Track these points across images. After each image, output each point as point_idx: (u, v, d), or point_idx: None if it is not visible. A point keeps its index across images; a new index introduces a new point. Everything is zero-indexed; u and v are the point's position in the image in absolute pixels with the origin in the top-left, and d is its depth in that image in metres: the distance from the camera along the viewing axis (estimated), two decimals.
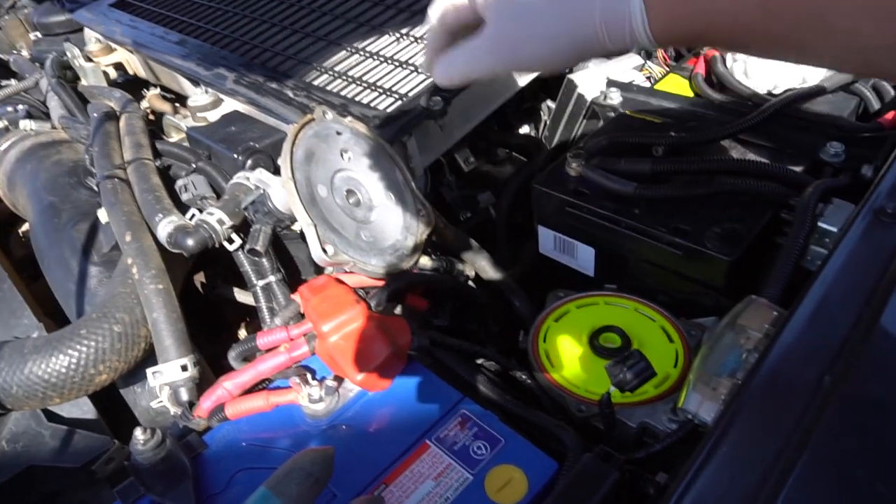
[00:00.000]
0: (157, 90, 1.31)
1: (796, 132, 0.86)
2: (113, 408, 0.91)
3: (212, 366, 0.90)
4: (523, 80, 1.06)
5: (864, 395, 0.50)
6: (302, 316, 0.74)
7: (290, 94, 0.96)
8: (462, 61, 0.53)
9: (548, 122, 1.35)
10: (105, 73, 1.28)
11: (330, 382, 0.64)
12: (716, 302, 0.78)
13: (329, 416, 0.64)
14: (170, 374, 0.73)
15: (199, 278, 1.12)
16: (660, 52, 1.30)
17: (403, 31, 1.05)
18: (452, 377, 0.69)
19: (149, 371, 0.73)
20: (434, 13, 0.55)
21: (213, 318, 1.14)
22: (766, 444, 0.49)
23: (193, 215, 0.82)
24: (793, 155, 0.85)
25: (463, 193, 1.14)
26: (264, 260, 0.86)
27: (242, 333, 1.12)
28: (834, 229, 0.69)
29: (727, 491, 0.48)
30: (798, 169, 0.81)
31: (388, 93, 0.92)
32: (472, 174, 1.17)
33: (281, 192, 0.73)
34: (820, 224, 0.69)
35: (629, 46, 0.47)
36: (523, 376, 0.74)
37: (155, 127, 1.19)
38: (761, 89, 0.95)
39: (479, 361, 0.78)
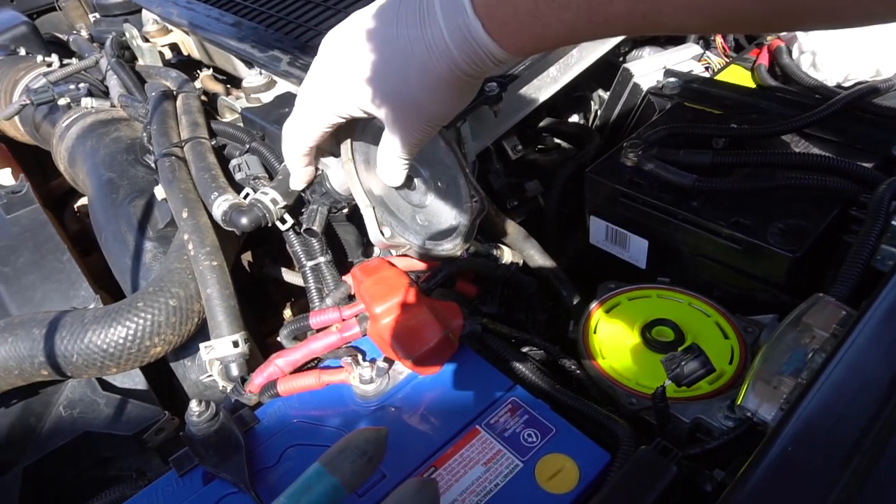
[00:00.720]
0: (210, 71, 1.33)
1: (867, 127, 0.83)
2: (161, 380, 0.93)
3: (258, 344, 0.92)
4: (577, 68, 1.04)
5: None
6: (352, 298, 0.74)
7: None
8: (389, 156, 0.57)
9: (599, 112, 1.33)
10: (161, 54, 1.30)
11: (381, 364, 0.64)
12: (775, 299, 0.75)
13: (379, 398, 0.64)
14: (221, 350, 0.74)
15: (247, 257, 1.13)
16: (719, 42, 1.27)
17: None
18: (502, 365, 0.68)
19: (202, 345, 0.74)
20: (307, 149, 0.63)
21: (260, 297, 1.16)
22: (833, 450, 0.47)
23: (248, 194, 0.83)
24: (863, 151, 0.81)
25: (510, 181, 1.13)
26: (315, 241, 0.87)
27: (288, 313, 1.13)
28: None
29: (790, 496, 0.46)
30: (868, 165, 0.78)
31: None
32: (519, 162, 1.16)
33: (339, 173, 0.74)
34: (894, 223, 0.66)
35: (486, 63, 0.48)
36: (573, 366, 0.73)
37: (209, 107, 1.21)
38: (830, 82, 0.91)
39: (527, 350, 0.77)
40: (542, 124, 1.18)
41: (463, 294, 0.81)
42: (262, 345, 0.95)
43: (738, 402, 0.58)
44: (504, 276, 0.81)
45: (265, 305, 1.16)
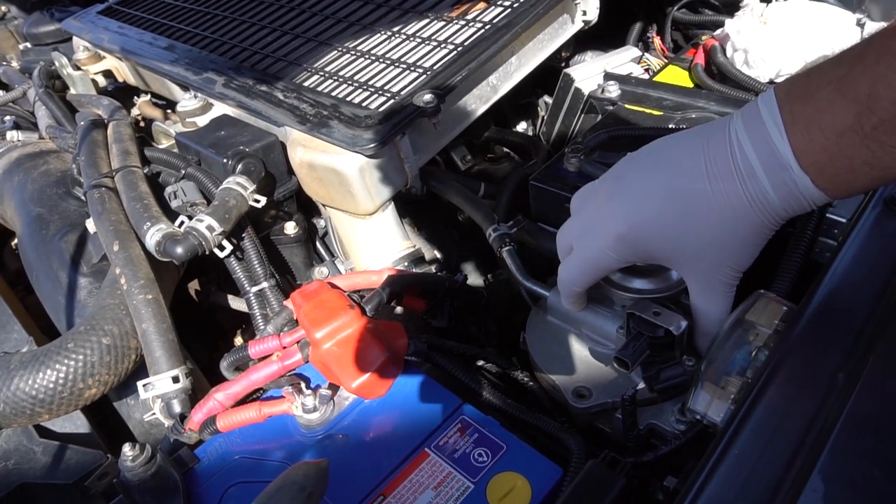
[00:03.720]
0: (148, 96, 1.29)
1: None
2: (108, 420, 0.89)
3: (210, 374, 0.88)
4: (518, 76, 1.04)
5: (881, 392, 0.48)
6: (296, 323, 0.72)
7: (281, 95, 0.94)
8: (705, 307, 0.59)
9: (545, 118, 1.34)
10: (94, 81, 1.26)
11: (324, 391, 0.61)
12: None
13: (324, 426, 0.62)
14: (161, 387, 0.71)
15: (194, 285, 1.10)
16: (657, 43, 1.28)
17: (395, 28, 1.03)
18: (451, 381, 0.67)
19: (139, 384, 0.71)
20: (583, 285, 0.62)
21: (210, 324, 1.12)
22: (779, 446, 0.47)
23: (182, 223, 0.80)
24: None
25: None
26: (257, 266, 0.84)
27: (239, 340, 1.10)
28: (843, 220, 0.66)
29: (739, 495, 0.45)
30: None
31: (380, 91, 0.90)
32: (468, 172, 1.15)
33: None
34: (828, 215, 0.67)
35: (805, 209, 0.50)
36: (525, 378, 0.72)
37: (145, 134, 1.17)
38: (763, 78, 0.92)
39: (480, 363, 0.76)
40: (487, 134, 1.17)
41: (411, 310, 0.80)
42: (215, 375, 0.91)
43: (688, 405, 0.57)
44: (452, 290, 0.80)
45: (216, 333, 1.12)
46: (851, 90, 0.43)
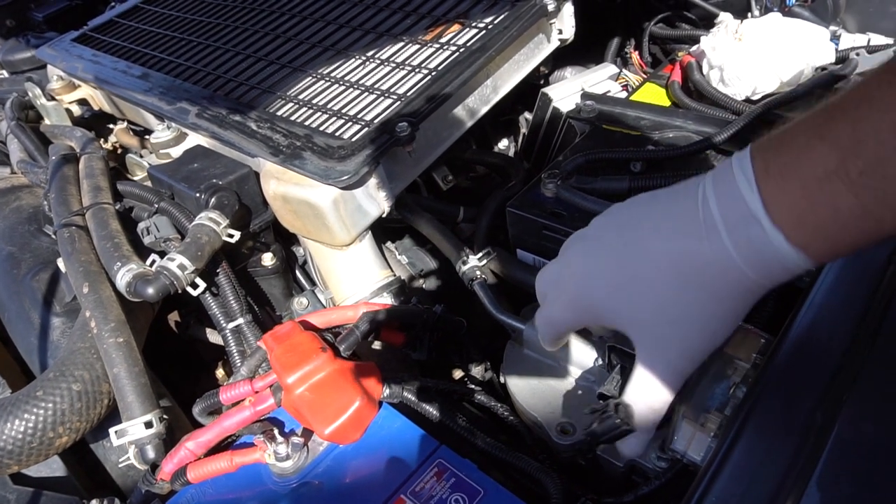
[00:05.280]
0: (125, 124, 1.28)
1: None
2: (86, 459, 0.87)
3: (191, 408, 0.87)
4: (494, 98, 1.03)
5: (859, 435, 0.47)
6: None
7: (254, 126, 0.93)
8: (648, 386, 0.50)
9: (525, 135, 1.33)
10: (68, 111, 1.24)
11: (296, 439, 0.60)
12: None
13: (298, 474, 0.60)
14: (134, 432, 0.69)
15: (174, 317, 1.08)
16: (635, 58, 1.28)
17: (369, 53, 1.02)
18: (428, 420, 0.65)
19: (111, 430, 0.69)
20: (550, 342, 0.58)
21: (191, 357, 1.11)
22: (757, 491, 0.46)
23: (154, 261, 0.78)
24: None
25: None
26: (232, 301, 0.83)
27: (220, 373, 1.08)
28: None
29: None
30: None
31: (354, 120, 0.89)
32: (451, 192, 1.14)
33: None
34: None
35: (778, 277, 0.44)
36: (505, 412, 0.71)
37: (120, 165, 1.15)
38: (739, 96, 0.92)
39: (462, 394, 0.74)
40: (466, 155, 1.16)
41: (390, 343, 0.79)
42: None
43: (668, 444, 0.56)
44: (430, 322, 0.79)
45: (197, 366, 1.10)
46: (831, 134, 0.38)
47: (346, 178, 0.79)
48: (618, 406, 0.53)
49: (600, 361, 0.65)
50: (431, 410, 0.65)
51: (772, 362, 0.53)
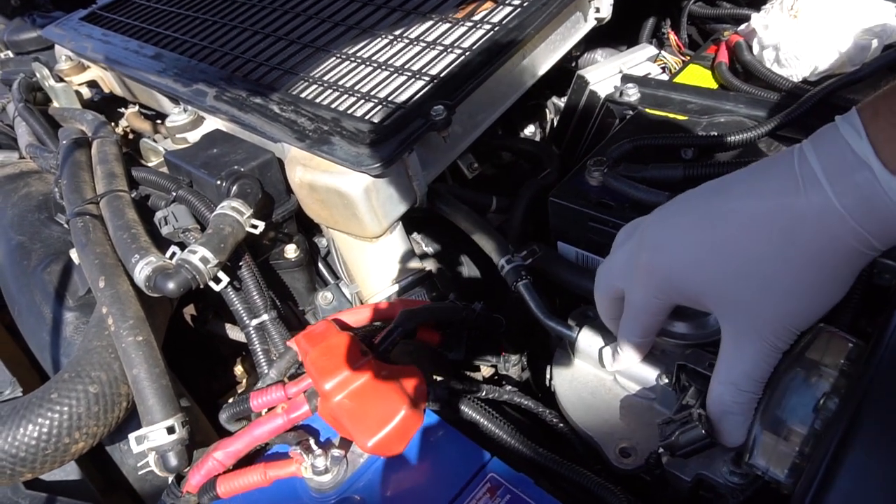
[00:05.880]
0: (136, 107, 1.22)
1: None
2: (101, 458, 0.83)
3: (210, 406, 0.82)
4: (529, 80, 0.97)
5: None
6: (301, 365, 0.66)
7: (277, 109, 0.87)
8: (727, 391, 0.47)
9: (555, 122, 1.27)
10: (78, 93, 1.19)
11: (336, 452, 0.55)
12: None
13: (338, 489, 0.55)
14: (155, 438, 0.64)
15: (190, 310, 1.03)
16: (672, 39, 1.22)
17: (397, 32, 0.96)
18: (475, 430, 0.60)
19: (131, 437, 0.64)
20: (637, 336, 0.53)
21: (208, 352, 1.06)
22: None
23: (174, 253, 0.73)
24: None
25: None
26: (256, 297, 0.78)
27: (239, 369, 1.03)
28: None
29: None
30: None
31: (385, 103, 0.83)
32: (476, 180, 1.08)
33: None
34: None
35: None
36: (554, 419, 0.65)
37: (133, 150, 1.10)
38: (797, 77, 0.86)
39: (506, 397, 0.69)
40: (494, 141, 1.10)
41: (426, 342, 0.73)
42: (214, 406, 0.85)
43: (746, 460, 0.51)
44: (468, 320, 0.73)
45: (214, 362, 1.06)
46: None
47: (378, 164, 0.73)
48: (701, 416, 0.47)
49: (664, 379, 0.60)
50: (479, 418, 0.60)
51: (869, 370, 0.48)
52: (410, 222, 0.98)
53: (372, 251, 0.84)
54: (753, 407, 0.48)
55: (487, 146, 1.14)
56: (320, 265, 0.99)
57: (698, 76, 0.99)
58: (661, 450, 0.53)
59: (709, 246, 0.43)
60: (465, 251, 0.99)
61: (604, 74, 1.04)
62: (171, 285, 0.69)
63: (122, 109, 1.23)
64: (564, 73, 1.17)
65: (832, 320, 0.58)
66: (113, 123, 1.20)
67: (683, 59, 1.13)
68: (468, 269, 0.99)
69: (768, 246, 0.40)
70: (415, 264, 0.87)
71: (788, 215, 0.39)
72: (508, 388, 0.65)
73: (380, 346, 0.61)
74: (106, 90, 1.25)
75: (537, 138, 1.31)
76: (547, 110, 1.31)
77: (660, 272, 0.46)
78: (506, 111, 1.00)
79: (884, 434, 0.43)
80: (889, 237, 0.38)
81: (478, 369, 0.88)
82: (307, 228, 0.97)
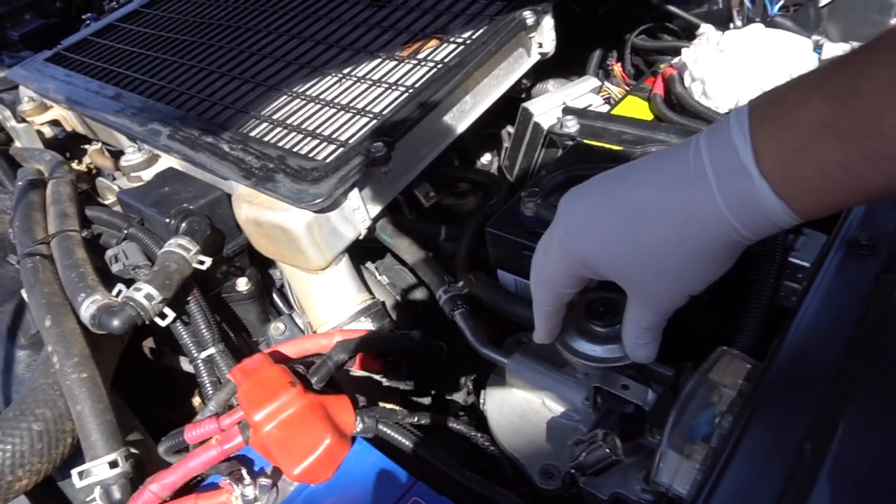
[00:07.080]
0: (100, 145, 1.25)
1: None
2: (55, 500, 0.84)
3: None
4: (474, 114, 1.01)
5: (853, 463, 0.45)
6: None
7: (226, 147, 0.90)
8: (638, 330, 0.52)
9: (507, 150, 1.31)
10: (40, 133, 1.21)
11: (264, 480, 0.57)
12: (687, 346, 0.72)
13: None
14: (98, 473, 0.66)
15: (149, 343, 1.05)
16: (617, 70, 1.27)
17: (346, 70, 1.00)
18: (406, 454, 0.63)
19: (74, 472, 0.66)
20: (548, 304, 0.55)
21: (168, 384, 1.07)
22: None
23: (120, 291, 0.75)
24: None
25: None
26: (204, 330, 0.80)
27: (197, 401, 1.05)
28: (806, 264, 0.63)
29: None
30: None
31: (329, 140, 0.86)
32: (433, 209, 1.12)
33: None
34: (791, 259, 0.64)
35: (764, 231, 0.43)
36: (485, 442, 0.68)
37: (92, 189, 1.13)
38: (722, 109, 0.90)
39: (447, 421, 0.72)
40: (447, 171, 1.14)
41: (367, 371, 0.76)
42: None
43: (652, 477, 0.54)
44: (408, 348, 0.76)
45: (173, 394, 1.07)
46: (829, 85, 0.38)
47: (319, 200, 0.77)
48: (606, 436, 0.50)
49: (586, 400, 0.63)
50: (407, 443, 0.62)
51: (759, 389, 0.51)
52: (367, 252, 1.01)
53: (319, 283, 0.86)
54: (656, 338, 0.53)
55: (443, 176, 1.17)
56: (275, 296, 1.01)
57: (636, 107, 1.04)
58: (573, 470, 0.55)
59: (612, 230, 0.47)
60: (420, 279, 1.02)
61: (547, 106, 1.08)
62: (115, 322, 0.71)
63: (87, 146, 1.26)
64: (518, 104, 1.21)
65: (734, 342, 0.61)
66: (76, 160, 1.23)
67: (626, 90, 1.17)
68: (423, 295, 1.02)
69: (661, 236, 0.45)
70: (363, 295, 0.90)
71: (677, 212, 0.44)
72: (440, 413, 0.67)
73: (313, 376, 0.63)
74: (68, 129, 1.27)
75: (493, 167, 1.35)
76: (503, 139, 1.35)
77: (571, 250, 0.50)
78: (461, 141, 1.04)
79: (761, 443, 0.46)
80: (762, 232, 0.43)
81: (426, 395, 0.90)
82: (262, 262, 1.00)
